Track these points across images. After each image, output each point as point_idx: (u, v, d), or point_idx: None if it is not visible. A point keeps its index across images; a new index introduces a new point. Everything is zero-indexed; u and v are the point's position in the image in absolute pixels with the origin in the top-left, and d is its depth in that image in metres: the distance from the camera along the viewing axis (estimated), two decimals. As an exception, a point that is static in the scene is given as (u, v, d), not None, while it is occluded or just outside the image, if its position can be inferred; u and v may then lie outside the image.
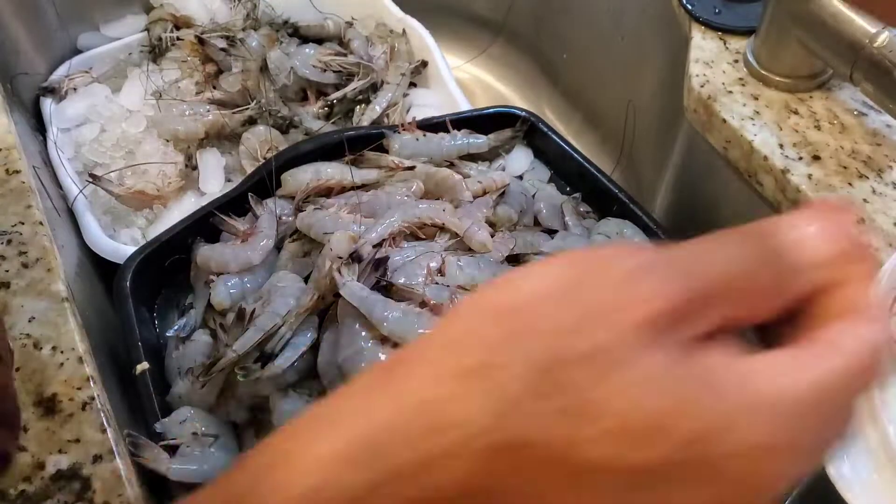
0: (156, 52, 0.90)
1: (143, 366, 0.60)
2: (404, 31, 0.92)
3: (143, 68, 0.87)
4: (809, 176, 0.58)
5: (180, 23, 0.92)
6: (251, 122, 0.82)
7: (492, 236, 0.65)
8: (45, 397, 0.48)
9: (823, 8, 0.57)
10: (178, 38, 0.90)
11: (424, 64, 0.90)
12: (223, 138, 0.83)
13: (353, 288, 0.56)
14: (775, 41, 0.62)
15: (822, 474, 0.39)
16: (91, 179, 0.76)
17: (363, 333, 0.55)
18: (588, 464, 0.23)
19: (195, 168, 0.80)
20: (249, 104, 0.83)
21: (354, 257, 0.58)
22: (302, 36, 0.93)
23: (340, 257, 0.58)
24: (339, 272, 0.56)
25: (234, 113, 0.82)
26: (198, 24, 0.92)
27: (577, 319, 0.24)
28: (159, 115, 0.83)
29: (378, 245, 0.61)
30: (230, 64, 0.86)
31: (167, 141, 0.81)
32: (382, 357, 0.54)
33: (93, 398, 0.48)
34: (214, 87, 0.85)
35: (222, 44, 0.87)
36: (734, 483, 0.23)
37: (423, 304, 0.57)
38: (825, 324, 0.25)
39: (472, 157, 0.75)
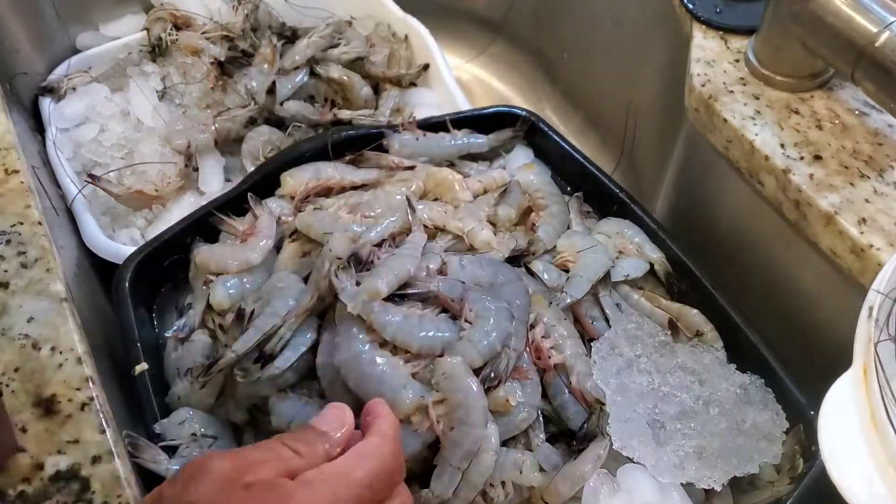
0: (155, 51, 0.90)
1: (143, 366, 0.60)
2: (406, 36, 0.92)
3: (144, 72, 0.87)
4: (811, 176, 0.58)
5: (180, 22, 0.92)
6: (252, 122, 0.82)
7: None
8: (43, 398, 0.48)
9: (824, 7, 0.57)
10: (176, 39, 0.89)
11: (426, 67, 0.90)
12: (231, 142, 0.83)
13: (353, 293, 0.55)
14: (776, 41, 0.62)
15: (823, 474, 0.39)
16: (89, 180, 0.76)
17: (360, 336, 0.55)
18: None
19: (196, 169, 0.80)
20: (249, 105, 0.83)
21: (354, 259, 0.57)
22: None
23: (339, 258, 0.58)
24: (337, 276, 0.56)
25: (235, 116, 0.82)
26: (197, 24, 0.92)
27: None
28: (169, 125, 0.83)
29: (378, 245, 0.61)
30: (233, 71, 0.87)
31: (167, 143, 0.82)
32: (380, 360, 0.54)
33: (92, 399, 0.48)
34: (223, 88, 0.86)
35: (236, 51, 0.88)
36: None
37: (423, 301, 0.57)
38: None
39: (473, 157, 0.75)
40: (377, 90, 0.90)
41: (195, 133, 0.80)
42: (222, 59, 0.87)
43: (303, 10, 0.95)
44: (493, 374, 0.55)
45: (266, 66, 0.87)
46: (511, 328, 0.57)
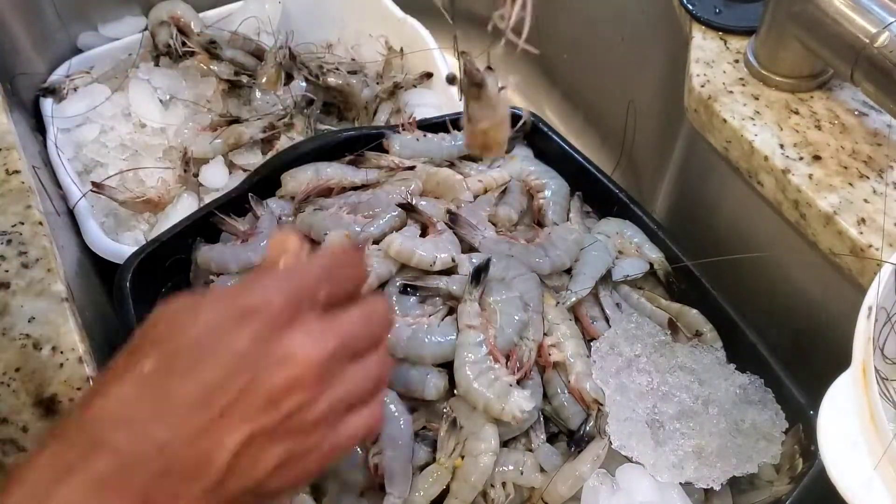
0: (169, 57, 0.90)
1: (143, 366, 0.60)
2: (402, 49, 0.93)
3: (146, 74, 0.88)
4: (810, 176, 0.58)
5: (182, 26, 0.92)
6: (271, 128, 0.84)
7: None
8: (44, 397, 0.48)
9: (824, 8, 0.57)
10: (185, 46, 0.90)
11: (428, 75, 0.90)
12: (242, 147, 0.83)
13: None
14: (776, 41, 0.62)
15: (822, 474, 0.39)
16: (95, 189, 0.76)
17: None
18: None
19: (196, 174, 0.80)
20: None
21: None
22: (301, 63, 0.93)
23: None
24: None
25: (255, 119, 0.84)
26: (196, 33, 0.92)
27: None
28: (181, 135, 0.84)
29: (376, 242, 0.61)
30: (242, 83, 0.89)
31: (171, 147, 0.82)
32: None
33: (92, 398, 0.48)
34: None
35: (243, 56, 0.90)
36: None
37: (424, 301, 0.57)
38: None
39: (472, 158, 0.75)
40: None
41: (213, 143, 0.81)
42: (227, 77, 0.88)
43: (310, 24, 0.95)
44: (518, 366, 0.55)
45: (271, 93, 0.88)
46: (525, 317, 0.57)
